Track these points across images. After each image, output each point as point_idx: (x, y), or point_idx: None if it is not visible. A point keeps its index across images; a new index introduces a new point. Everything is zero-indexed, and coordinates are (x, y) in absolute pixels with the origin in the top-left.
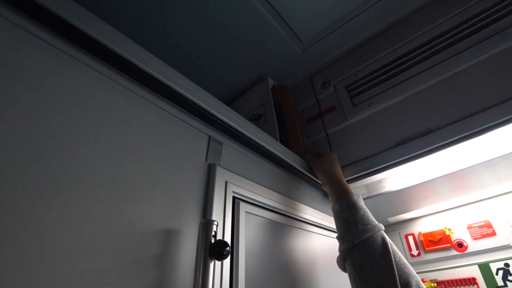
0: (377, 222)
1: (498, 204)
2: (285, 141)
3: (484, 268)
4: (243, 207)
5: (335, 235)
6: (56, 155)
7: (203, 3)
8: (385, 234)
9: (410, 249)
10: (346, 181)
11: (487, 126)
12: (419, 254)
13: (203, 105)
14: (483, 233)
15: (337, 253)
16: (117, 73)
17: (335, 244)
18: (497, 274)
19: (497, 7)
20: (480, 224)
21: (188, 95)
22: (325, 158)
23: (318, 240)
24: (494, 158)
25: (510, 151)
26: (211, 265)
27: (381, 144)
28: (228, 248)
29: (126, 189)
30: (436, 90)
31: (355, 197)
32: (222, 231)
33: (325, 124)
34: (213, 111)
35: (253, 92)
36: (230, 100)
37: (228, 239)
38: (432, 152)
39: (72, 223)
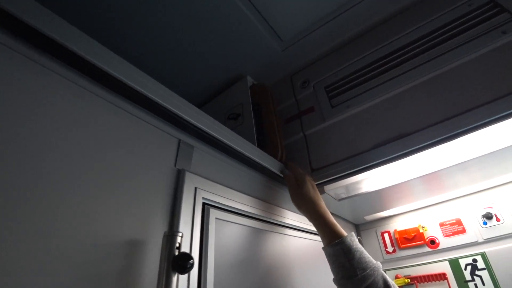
0: (374, 262)
1: (468, 202)
2: (262, 142)
3: (454, 264)
4: (214, 214)
5: (314, 236)
6: (4, 160)
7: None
8: (384, 274)
9: (385, 246)
10: (325, 182)
11: (460, 130)
12: (394, 251)
13: (171, 108)
14: (454, 230)
15: (316, 254)
16: (76, 73)
17: (315, 245)
18: (465, 269)
19: (471, 15)
20: (451, 221)
21: (154, 97)
22: (306, 194)
23: (298, 243)
24: (467, 161)
25: (483, 154)
26: (174, 279)
27: (358, 147)
28: (191, 261)
29: (85, 198)
30: (412, 94)
31: (348, 239)
32: (190, 241)
33: (303, 125)
34: (182, 114)
35: (232, 91)
36: (209, 99)
37: (196, 249)
38: (407, 155)
39: (27, 236)
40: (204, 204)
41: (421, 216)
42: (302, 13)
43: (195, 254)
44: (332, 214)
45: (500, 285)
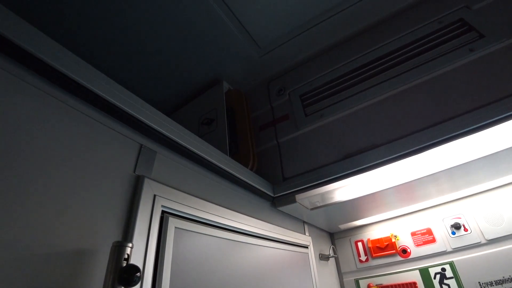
0: None
1: (438, 213)
2: (234, 149)
3: (424, 272)
4: (173, 223)
5: (284, 246)
6: None
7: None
8: None
9: (359, 255)
10: (296, 191)
11: (428, 144)
12: (367, 260)
13: (132, 112)
14: (424, 240)
15: (285, 263)
16: (27, 71)
17: (285, 255)
18: (434, 278)
19: (441, 32)
20: (422, 231)
21: (114, 100)
22: None
23: (266, 252)
24: (437, 172)
25: (452, 166)
26: None
27: (329, 156)
28: (138, 273)
29: (26, 200)
30: (383, 107)
31: None
32: (145, 251)
33: (277, 133)
34: (144, 118)
35: (207, 95)
36: (184, 103)
37: (151, 261)
38: (377, 166)
39: None
40: (163, 212)
41: (393, 226)
42: (280, 21)
43: (149, 266)
44: (306, 223)
45: None
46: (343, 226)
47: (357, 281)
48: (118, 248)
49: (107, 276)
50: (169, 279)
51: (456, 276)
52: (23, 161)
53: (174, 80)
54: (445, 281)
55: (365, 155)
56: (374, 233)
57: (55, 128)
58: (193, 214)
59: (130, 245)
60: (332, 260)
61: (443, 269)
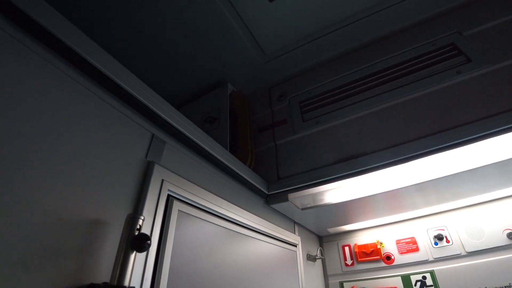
0: None
1: (423, 224)
2: (234, 147)
3: (406, 279)
4: (177, 206)
5: (275, 241)
6: None
7: (172, 2)
8: None
9: (345, 259)
10: (289, 190)
11: (410, 155)
12: (352, 264)
13: (147, 103)
14: (408, 248)
15: (275, 258)
16: (62, 61)
17: (275, 250)
18: (415, 285)
19: (433, 54)
20: (407, 240)
21: (133, 91)
22: None
23: (258, 245)
24: (423, 182)
25: (438, 177)
26: (132, 256)
27: (322, 160)
28: (149, 241)
29: (53, 176)
30: (375, 118)
31: None
32: (151, 226)
33: (275, 135)
34: (157, 110)
35: (212, 95)
36: (190, 100)
37: (156, 235)
38: (366, 172)
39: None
40: (169, 196)
41: (380, 233)
42: (286, 31)
43: (155, 239)
44: (296, 223)
45: None
46: (332, 230)
47: (341, 284)
48: (132, 219)
49: (121, 242)
50: (170, 254)
51: (435, 284)
52: (61, 144)
53: (181, 78)
54: None
55: (355, 161)
56: (361, 239)
57: (84, 114)
58: (194, 200)
59: (142, 217)
60: (319, 262)
61: (424, 277)
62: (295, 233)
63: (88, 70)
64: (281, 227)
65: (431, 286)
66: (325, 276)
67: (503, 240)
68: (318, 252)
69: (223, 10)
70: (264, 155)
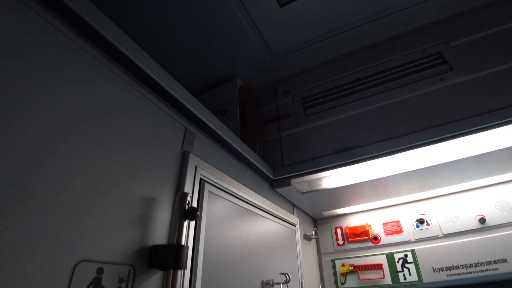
0: None
1: (407, 209)
2: (243, 137)
3: (390, 257)
4: (207, 188)
5: (278, 220)
6: (69, 149)
7: (189, 2)
8: None
9: (337, 239)
10: (292, 176)
11: (400, 148)
12: (343, 244)
13: (182, 101)
14: (393, 230)
15: (282, 237)
16: (120, 69)
17: (278, 227)
18: (398, 262)
19: (422, 61)
20: (392, 223)
21: (173, 91)
22: None
23: (265, 222)
24: (408, 171)
25: (422, 167)
26: (185, 223)
27: (322, 151)
28: (198, 212)
29: (118, 166)
30: (370, 115)
31: None
32: (190, 202)
33: (280, 128)
34: (190, 106)
35: (222, 89)
36: (201, 91)
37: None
38: (360, 161)
39: (84, 192)
40: (201, 179)
41: (368, 217)
42: (292, 34)
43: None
44: (295, 206)
45: (422, 276)
46: (326, 213)
47: (333, 261)
48: (184, 195)
49: (175, 213)
50: (205, 224)
51: (415, 261)
52: (118, 138)
53: (193, 72)
54: (406, 265)
55: (350, 152)
56: (352, 222)
57: (134, 113)
58: (219, 183)
59: (190, 194)
60: (313, 241)
61: (406, 255)
62: (294, 215)
63: (135, 72)
64: (283, 209)
65: (412, 263)
66: (319, 254)
67: (475, 224)
68: (313, 233)
69: (237, 13)
70: (270, 145)
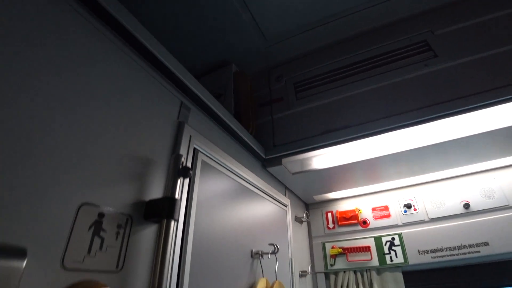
0: None
1: (395, 195)
2: (238, 119)
3: (378, 240)
4: (201, 157)
5: (270, 199)
6: (83, 110)
7: None
8: None
9: (328, 223)
10: (282, 155)
11: (386, 128)
12: (334, 227)
13: (181, 77)
14: (381, 215)
15: (271, 215)
16: (124, 44)
17: (270, 206)
18: (385, 244)
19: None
20: (381, 208)
21: (171, 67)
22: None
23: (257, 200)
24: (395, 153)
25: (409, 149)
26: (179, 180)
27: (311, 131)
28: (190, 171)
29: (119, 125)
30: (356, 99)
31: None
32: (184, 163)
33: (273, 111)
34: (186, 81)
35: (218, 74)
36: (197, 77)
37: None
38: (347, 141)
39: (89, 144)
40: (195, 148)
41: (358, 202)
42: (286, 20)
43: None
44: (287, 188)
45: (408, 258)
46: (317, 197)
47: (323, 244)
48: (179, 156)
49: (170, 171)
50: (198, 188)
51: (402, 244)
52: (120, 103)
53: (190, 57)
54: (393, 248)
55: (339, 133)
56: (342, 206)
57: (137, 84)
58: (212, 155)
59: (184, 156)
60: (304, 225)
61: (393, 238)
62: (285, 196)
63: (139, 49)
64: (275, 189)
65: (398, 245)
66: (310, 237)
67: (460, 209)
68: (305, 216)
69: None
70: (263, 127)
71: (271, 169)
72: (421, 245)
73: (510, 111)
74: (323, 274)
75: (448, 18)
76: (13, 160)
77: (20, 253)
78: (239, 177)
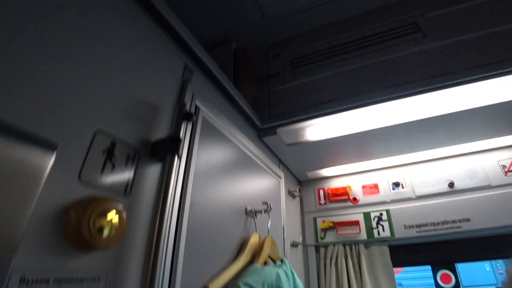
0: None
1: (385, 174)
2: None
3: (366, 215)
4: (202, 114)
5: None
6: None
7: None
8: None
9: (319, 199)
10: (277, 125)
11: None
12: (325, 203)
13: (186, 39)
14: (371, 192)
15: (265, 185)
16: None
17: (264, 175)
18: (373, 219)
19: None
20: (370, 185)
21: (178, 28)
22: None
23: (252, 166)
24: (386, 127)
25: (399, 123)
26: (183, 124)
27: (306, 103)
28: (193, 116)
29: (134, 74)
30: (347, 74)
31: None
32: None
33: (269, 85)
34: (191, 44)
35: (218, 51)
36: None
37: (189, 126)
38: (337, 112)
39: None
40: (196, 106)
41: (349, 180)
42: (286, 0)
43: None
44: (281, 162)
45: (395, 232)
46: (310, 174)
47: (315, 219)
48: (184, 104)
49: (174, 115)
50: (198, 139)
51: (389, 219)
52: (133, 57)
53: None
54: (381, 223)
55: (331, 103)
56: (334, 184)
57: (149, 43)
58: (212, 115)
59: (189, 104)
60: (297, 200)
61: (381, 214)
62: (279, 169)
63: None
64: (270, 160)
65: (386, 220)
66: (302, 212)
67: (445, 188)
68: (297, 190)
69: None
70: (260, 101)
71: (266, 139)
72: (407, 220)
73: (492, 88)
74: (314, 247)
75: (438, 2)
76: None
77: (51, 146)
78: (237, 141)
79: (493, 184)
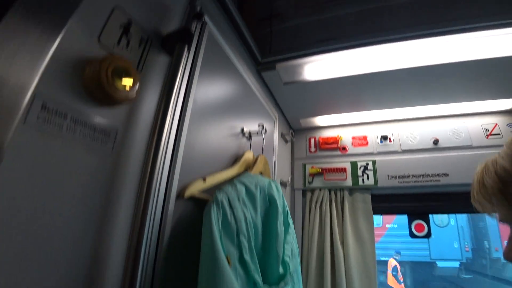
0: None
1: (374, 128)
2: None
3: (354, 164)
4: (208, 29)
5: (263, 101)
6: None
7: None
8: None
9: (310, 147)
10: (277, 60)
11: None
12: (315, 151)
13: None
14: (360, 143)
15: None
16: None
17: (261, 110)
18: (360, 168)
19: None
20: (360, 137)
21: None
22: None
23: (248, 91)
24: (378, 72)
25: (389, 69)
26: (194, 22)
27: (306, 40)
28: (204, 16)
29: None
30: (350, 18)
31: None
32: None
33: (272, 24)
34: None
35: None
36: None
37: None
38: (334, 50)
39: None
40: (204, 21)
41: (341, 131)
42: None
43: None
44: (277, 105)
45: (378, 181)
46: (303, 122)
47: (304, 165)
48: (195, 3)
49: (186, 14)
50: (202, 56)
51: (374, 169)
52: None
53: None
54: (366, 172)
55: (329, 42)
56: (325, 134)
57: None
58: (216, 34)
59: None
60: (288, 146)
61: (367, 164)
62: (275, 110)
63: None
64: (267, 99)
65: (371, 170)
66: (292, 158)
67: (429, 144)
68: (290, 134)
69: None
70: (261, 39)
71: (265, 74)
72: (391, 171)
73: (481, 42)
74: (301, 191)
75: None
76: None
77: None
78: (239, 66)
79: (474, 144)
